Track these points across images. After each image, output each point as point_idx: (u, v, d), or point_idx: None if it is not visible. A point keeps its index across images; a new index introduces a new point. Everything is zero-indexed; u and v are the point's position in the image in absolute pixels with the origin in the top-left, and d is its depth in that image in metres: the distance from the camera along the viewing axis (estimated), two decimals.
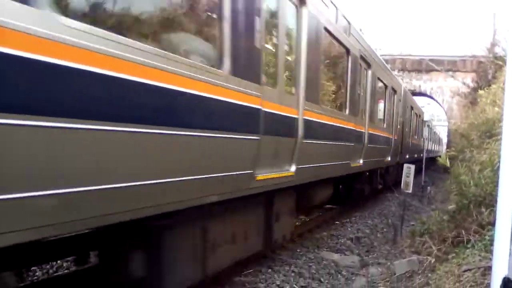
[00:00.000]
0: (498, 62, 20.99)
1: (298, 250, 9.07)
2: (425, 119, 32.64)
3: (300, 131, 7.08)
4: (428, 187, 19.15)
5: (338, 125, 9.46)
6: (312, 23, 7.51)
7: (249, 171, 5.61)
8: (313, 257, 8.69)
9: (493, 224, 6.46)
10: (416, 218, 12.14)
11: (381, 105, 15.40)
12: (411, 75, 36.69)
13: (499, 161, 4.12)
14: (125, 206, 3.67)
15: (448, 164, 9.08)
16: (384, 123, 15.75)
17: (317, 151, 8.20)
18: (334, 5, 9.10)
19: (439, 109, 40.54)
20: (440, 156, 11.25)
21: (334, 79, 10.03)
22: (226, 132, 4.94)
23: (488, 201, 7.18)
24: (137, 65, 3.53)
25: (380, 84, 14.81)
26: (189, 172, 4.42)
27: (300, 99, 7.15)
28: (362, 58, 11.50)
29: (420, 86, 36.82)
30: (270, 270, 7.65)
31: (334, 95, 9.92)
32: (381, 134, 15.04)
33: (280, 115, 6.40)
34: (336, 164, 9.73)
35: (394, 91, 17.65)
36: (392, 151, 17.40)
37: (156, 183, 3.92)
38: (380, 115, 15.43)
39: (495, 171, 7.19)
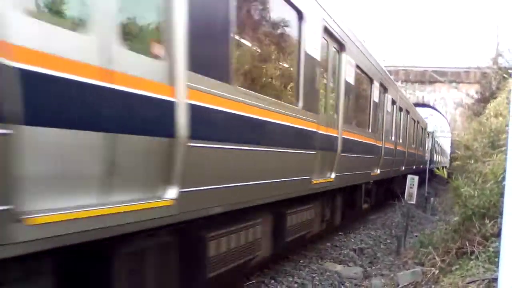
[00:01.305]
0: (502, 73, 21.00)
1: (301, 261, 9.03)
2: (428, 130, 32.67)
3: (339, 146, 9.21)
4: (432, 198, 19.12)
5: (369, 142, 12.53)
6: (350, 65, 10.10)
7: (308, 177, 7.68)
8: (316, 268, 8.65)
9: (497, 235, 6.44)
10: (420, 229, 12.10)
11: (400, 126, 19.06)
12: (415, 86, 36.64)
13: (503, 173, 4.10)
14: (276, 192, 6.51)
15: (445, 175, 9.09)
16: (400, 138, 18.80)
17: (350, 162, 10.39)
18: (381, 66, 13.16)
19: (442, 120, 40.47)
20: (442, 168, 11.33)
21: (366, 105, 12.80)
22: (299, 149, 7.16)
23: (492, 212, 7.15)
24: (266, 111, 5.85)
25: (403, 111, 19.12)
26: (285, 175, 6.73)
27: (340, 122, 9.37)
28: (393, 101, 15.48)
29: (423, 97, 36.74)
30: (273, 281, 7.62)
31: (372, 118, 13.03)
32: (399, 149, 18.46)
33: (327, 135, 8.53)
34: (362, 173, 12.27)
35: (408, 112, 21.07)
36: (406, 162, 20.35)
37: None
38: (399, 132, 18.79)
39: (499, 183, 7.17)
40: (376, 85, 13.15)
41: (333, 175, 9.00)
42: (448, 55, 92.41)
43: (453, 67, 35.92)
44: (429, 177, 25.21)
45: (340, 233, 12.18)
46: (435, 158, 44.86)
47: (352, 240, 11.66)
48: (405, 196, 11.82)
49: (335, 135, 9.07)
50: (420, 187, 14.87)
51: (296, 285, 7.61)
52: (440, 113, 37.55)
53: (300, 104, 7.09)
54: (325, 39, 8.34)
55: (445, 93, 36.04)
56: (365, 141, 12.00)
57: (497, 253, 5.43)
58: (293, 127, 6.81)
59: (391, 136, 16.33)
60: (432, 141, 32.91)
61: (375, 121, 13.28)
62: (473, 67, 31.54)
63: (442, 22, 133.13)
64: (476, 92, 29.59)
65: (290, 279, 7.83)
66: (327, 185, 8.89)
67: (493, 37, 45.07)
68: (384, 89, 14.54)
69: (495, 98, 16.73)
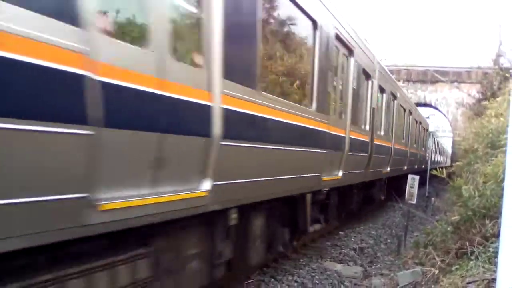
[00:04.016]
0: (503, 73, 20.98)
1: (301, 260, 9.03)
2: (429, 130, 32.67)
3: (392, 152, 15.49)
4: (432, 198, 19.11)
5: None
6: (390, 100, 15.82)
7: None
8: (316, 267, 8.65)
9: (497, 235, 6.43)
10: (420, 229, 12.09)
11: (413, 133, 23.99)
12: (416, 85, 36.62)
13: (503, 173, 4.10)
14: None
15: (444, 175, 9.13)
16: (415, 143, 24.08)
17: (398, 161, 17.27)
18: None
19: (444, 120, 40.41)
20: (440, 168, 11.33)
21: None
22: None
23: (493, 212, 7.13)
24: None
25: (414, 121, 23.57)
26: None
27: (393, 139, 15.48)
28: (409, 112, 21.19)
29: (425, 97, 36.72)
30: (273, 279, 7.62)
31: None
32: (416, 152, 24.39)
33: (399, 148, 15.66)
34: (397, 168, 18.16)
35: (420, 123, 25.93)
36: (418, 162, 25.22)
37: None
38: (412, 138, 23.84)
39: (500, 183, 7.16)
40: (407, 112, 19.97)
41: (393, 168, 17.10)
42: (449, 55, 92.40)
43: (455, 66, 35.91)
44: (430, 177, 25.19)
45: (340, 232, 12.19)
46: (437, 158, 44.86)
47: (353, 239, 11.66)
48: (406, 196, 11.81)
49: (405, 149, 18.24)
50: (420, 188, 14.87)
51: (296, 284, 7.62)
52: (442, 112, 37.51)
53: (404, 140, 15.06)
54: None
55: (446, 92, 36.01)
56: (402, 148, 18.54)
57: (497, 253, 5.43)
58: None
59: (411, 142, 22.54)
60: (433, 141, 33.15)
61: (406, 134, 20.04)
62: (475, 67, 31.53)
63: (444, 21, 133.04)
64: (478, 92, 29.57)
65: (290, 278, 7.83)
66: (402, 171, 18.22)
67: (495, 36, 44.97)
68: (410, 112, 21.03)
69: (494, 98, 16.71)
